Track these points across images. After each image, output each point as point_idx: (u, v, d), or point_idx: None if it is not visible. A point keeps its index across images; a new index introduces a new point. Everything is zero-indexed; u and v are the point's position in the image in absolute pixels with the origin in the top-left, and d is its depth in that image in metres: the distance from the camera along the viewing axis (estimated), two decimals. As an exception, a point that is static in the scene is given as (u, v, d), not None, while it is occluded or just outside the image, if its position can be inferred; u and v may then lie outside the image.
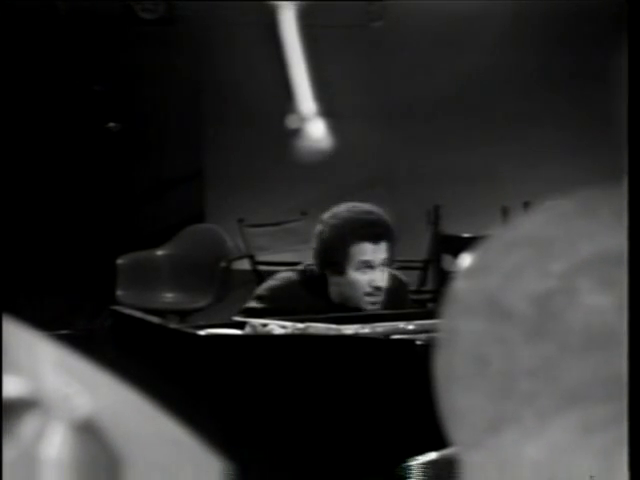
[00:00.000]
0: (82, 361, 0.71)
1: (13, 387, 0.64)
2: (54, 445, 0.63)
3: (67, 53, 7.15)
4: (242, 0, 6.15)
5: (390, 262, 3.50)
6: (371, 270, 3.45)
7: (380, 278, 3.46)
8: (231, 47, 7.33)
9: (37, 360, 0.67)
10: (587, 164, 6.88)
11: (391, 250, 3.48)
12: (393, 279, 3.58)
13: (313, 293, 3.51)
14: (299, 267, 3.59)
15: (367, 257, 3.44)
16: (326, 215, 3.52)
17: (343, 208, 3.51)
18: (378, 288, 3.46)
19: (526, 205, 6.22)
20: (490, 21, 7.29)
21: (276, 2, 1.77)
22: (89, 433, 0.65)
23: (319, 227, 3.51)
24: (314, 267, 3.53)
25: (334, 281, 3.49)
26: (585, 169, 6.71)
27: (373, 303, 3.47)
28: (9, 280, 6.37)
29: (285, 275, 3.57)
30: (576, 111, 7.55)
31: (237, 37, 7.09)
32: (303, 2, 1.78)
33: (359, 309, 3.49)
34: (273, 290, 3.52)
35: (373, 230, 3.47)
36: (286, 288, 3.52)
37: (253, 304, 3.49)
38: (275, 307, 3.43)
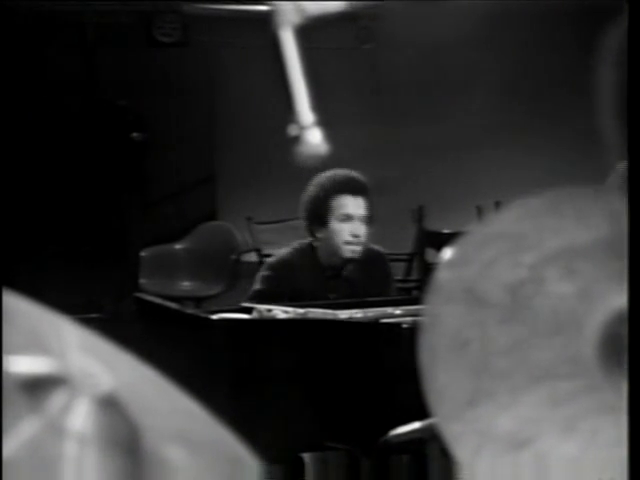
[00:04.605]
0: (104, 342, 0.71)
1: (43, 366, 0.63)
2: (79, 417, 0.63)
3: (96, 73, 7.15)
4: (242, 2, 6.15)
5: (369, 219, 3.52)
6: (351, 222, 3.47)
7: (359, 228, 3.48)
8: (238, 66, 7.33)
9: (64, 342, 0.67)
10: (554, 167, 6.87)
11: (369, 207, 3.51)
12: (370, 251, 3.60)
13: (304, 262, 3.52)
14: (293, 243, 3.62)
15: (347, 210, 3.47)
16: (313, 180, 3.55)
17: (327, 172, 3.53)
18: (357, 236, 3.47)
19: (497, 204, 6.21)
20: (470, 41, 7.28)
21: (277, 26, 1.75)
22: (111, 406, 0.64)
23: (307, 189, 3.55)
24: (302, 241, 3.57)
25: (319, 236, 3.51)
26: (551, 171, 6.71)
27: (352, 251, 3.49)
28: (46, 270, 6.38)
29: (281, 251, 3.61)
30: (545, 118, 7.56)
31: (244, 58, 7.09)
32: (301, 25, 1.76)
33: (341, 264, 3.51)
34: (274, 264, 3.55)
35: (352, 185, 3.50)
36: (284, 260, 3.54)
37: (257, 285, 3.52)
38: (277, 284, 3.47)
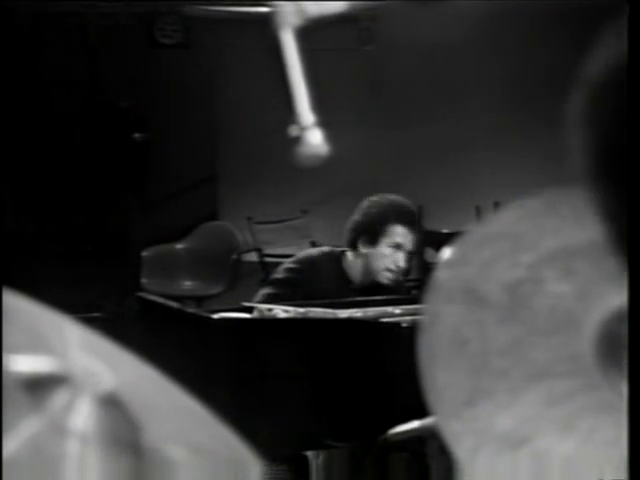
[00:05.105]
0: (106, 341, 0.71)
1: (45, 365, 0.63)
2: (81, 416, 0.63)
3: (98, 74, 7.15)
4: (241, 3, 6.15)
5: (411, 255, 3.58)
6: (398, 251, 3.52)
7: (402, 260, 3.53)
8: (239, 68, 7.33)
9: (66, 341, 0.67)
10: (553, 168, 6.87)
11: (414, 243, 3.57)
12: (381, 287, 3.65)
13: (332, 268, 3.56)
14: (323, 248, 3.67)
15: (399, 239, 3.52)
16: (373, 197, 3.61)
17: (389, 196, 3.62)
18: (399, 267, 3.53)
19: (496, 205, 6.21)
20: (470, 42, 7.29)
21: (278, 27, 1.75)
22: (112, 405, 0.64)
23: (365, 203, 3.60)
24: (334, 249, 3.61)
25: (363, 251, 3.54)
26: (549, 173, 6.71)
27: (389, 279, 3.54)
28: (48, 269, 6.38)
29: (311, 250, 3.62)
30: (545, 120, 7.56)
31: (244, 59, 7.09)
32: (302, 27, 1.76)
33: (371, 284, 3.55)
34: (302, 259, 3.59)
35: (411, 218, 3.58)
36: (312, 258, 3.58)
37: (279, 274, 3.53)
38: (300, 277, 3.51)
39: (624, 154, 0.61)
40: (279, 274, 3.55)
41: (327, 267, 3.55)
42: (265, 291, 3.49)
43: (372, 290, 3.58)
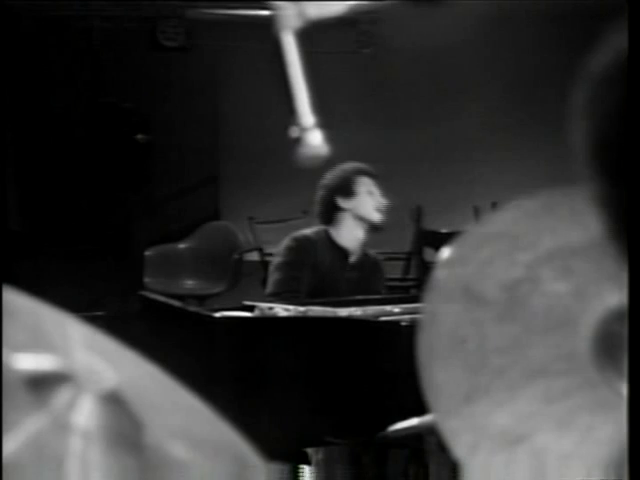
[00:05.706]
0: (108, 339, 0.70)
1: (48, 363, 0.63)
2: (83, 414, 0.62)
3: (102, 76, 7.15)
4: (241, 4, 6.15)
5: (384, 199, 3.81)
6: (374, 196, 3.77)
7: (382, 200, 3.77)
8: (241, 70, 7.33)
9: (69, 339, 0.66)
10: (549, 169, 6.87)
11: (379, 191, 3.81)
12: (368, 257, 3.82)
13: (324, 242, 3.74)
14: (312, 228, 3.83)
15: (371, 187, 3.78)
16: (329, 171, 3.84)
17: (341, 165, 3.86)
18: (384, 205, 3.76)
19: (494, 205, 6.20)
20: (469, 44, 7.28)
21: (279, 30, 1.76)
22: (115, 403, 0.64)
23: (326, 176, 3.80)
24: (321, 226, 3.79)
25: (346, 206, 3.74)
26: (547, 173, 6.71)
27: (380, 219, 3.75)
28: (52, 269, 6.38)
29: (301, 231, 3.82)
30: (543, 121, 7.56)
31: (245, 62, 7.09)
32: (302, 29, 1.77)
33: (360, 244, 3.74)
34: (297, 237, 3.75)
35: (369, 170, 3.84)
36: (306, 235, 3.76)
37: (281, 257, 3.71)
38: (301, 254, 3.67)
39: (624, 149, 0.61)
40: (282, 257, 3.67)
41: (320, 242, 3.74)
42: (274, 277, 3.60)
43: (362, 254, 3.77)
